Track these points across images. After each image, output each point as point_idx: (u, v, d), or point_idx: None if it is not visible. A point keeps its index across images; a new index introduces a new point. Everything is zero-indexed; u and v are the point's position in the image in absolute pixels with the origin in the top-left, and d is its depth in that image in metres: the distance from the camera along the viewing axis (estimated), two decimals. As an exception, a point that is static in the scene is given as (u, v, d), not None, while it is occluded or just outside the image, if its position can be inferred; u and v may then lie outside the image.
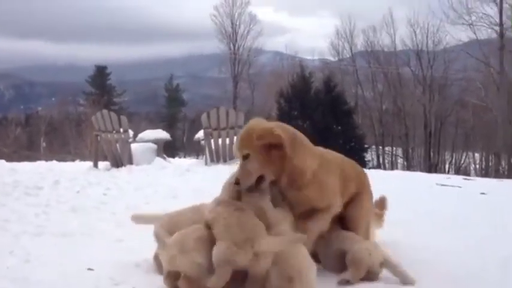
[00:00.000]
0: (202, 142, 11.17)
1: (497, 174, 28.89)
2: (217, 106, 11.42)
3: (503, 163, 32.58)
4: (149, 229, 3.35)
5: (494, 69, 32.46)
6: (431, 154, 38.52)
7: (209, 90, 57.58)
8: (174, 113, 50.68)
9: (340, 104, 34.01)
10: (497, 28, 33.08)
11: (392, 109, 41.29)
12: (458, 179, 10.29)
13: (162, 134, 11.95)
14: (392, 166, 41.84)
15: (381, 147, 42.27)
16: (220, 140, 10.90)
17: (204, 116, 11.00)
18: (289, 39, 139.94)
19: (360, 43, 43.93)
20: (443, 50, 38.94)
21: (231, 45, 45.18)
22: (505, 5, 32.76)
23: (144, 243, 3.53)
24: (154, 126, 52.39)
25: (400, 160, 42.08)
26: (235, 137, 11.06)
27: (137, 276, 3.32)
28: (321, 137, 33.71)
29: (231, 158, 10.86)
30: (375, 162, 41.05)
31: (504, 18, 32.93)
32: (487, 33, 34.29)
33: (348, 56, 44.75)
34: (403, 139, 40.26)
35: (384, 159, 42.95)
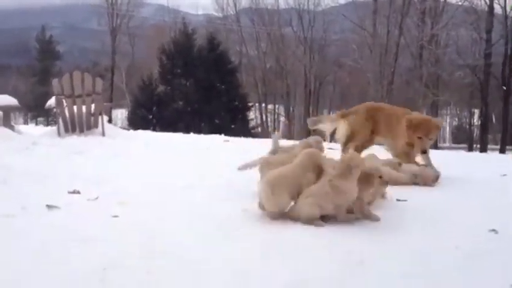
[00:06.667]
0: (56, 110, 10.16)
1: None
2: (71, 71, 10.33)
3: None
4: None
5: (367, 32, 33.78)
6: (311, 112, 40.01)
7: (88, 43, 53.91)
8: (48, 67, 46.81)
9: (224, 63, 33.62)
10: (372, -9, 34.29)
11: (275, 68, 41.88)
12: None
13: (7, 100, 10.59)
14: (274, 124, 42.90)
15: (264, 105, 43.02)
16: (75, 108, 9.97)
17: (55, 82, 9.94)
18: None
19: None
20: (323, 11, 39.91)
21: (109, -5, 42.28)
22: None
23: None
24: (25, 80, 48.54)
25: (282, 118, 43.21)
26: (92, 105, 10.21)
27: None
28: (204, 96, 33.15)
29: (89, 128, 10.07)
30: (258, 120, 41.78)
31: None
32: (363, -5, 35.57)
33: (232, 12, 44.23)
34: (285, 98, 41.27)
35: (266, 117, 43.88)
